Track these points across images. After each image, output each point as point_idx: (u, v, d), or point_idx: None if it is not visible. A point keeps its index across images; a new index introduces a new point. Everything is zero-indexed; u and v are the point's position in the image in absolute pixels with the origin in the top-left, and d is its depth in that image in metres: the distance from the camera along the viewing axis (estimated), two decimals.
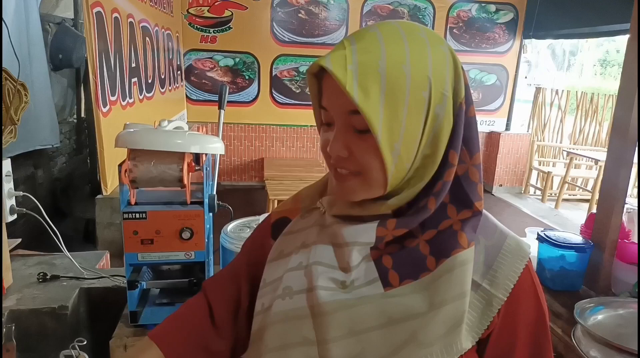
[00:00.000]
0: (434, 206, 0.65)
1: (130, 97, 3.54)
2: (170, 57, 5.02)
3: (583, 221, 1.72)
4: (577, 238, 1.55)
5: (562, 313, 1.39)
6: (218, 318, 0.80)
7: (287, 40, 5.98)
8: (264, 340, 0.70)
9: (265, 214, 1.51)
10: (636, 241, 1.62)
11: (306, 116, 6.12)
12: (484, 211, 0.69)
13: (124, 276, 1.37)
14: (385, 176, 0.63)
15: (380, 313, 0.63)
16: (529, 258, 0.68)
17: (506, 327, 0.65)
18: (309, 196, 0.80)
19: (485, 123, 6.68)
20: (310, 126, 6.16)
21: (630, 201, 1.91)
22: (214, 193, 1.47)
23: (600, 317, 1.24)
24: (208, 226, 1.41)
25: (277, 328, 0.69)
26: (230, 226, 1.57)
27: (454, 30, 6.30)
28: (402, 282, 0.64)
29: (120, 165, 1.27)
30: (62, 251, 1.69)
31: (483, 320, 0.64)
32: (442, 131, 0.64)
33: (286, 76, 6.08)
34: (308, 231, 0.75)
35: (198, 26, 5.79)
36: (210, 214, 1.50)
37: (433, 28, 6.21)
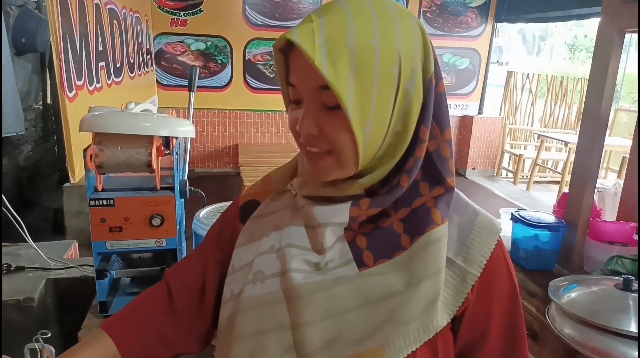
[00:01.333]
0: (407, 184, 0.64)
1: (98, 82, 3.42)
2: (140, 40, 4.88)
3: (554, 202, 1.74)
4: (550, 218, 1.57)
5: (537, 292, 1.41)
6: (178, 306, 0.76)
7: (260, 23, 5.87)
8: (235, 327, 0.67)
9: None
10: (608, 220, 1.65)
11: (280, 101, 5.91)
12: (456, 190, 0.69)
13: (93, 266, 1.33)
14: (356, 153, 0.61)
15: (357, 293, 0.62)
16: (500, 236, 0.68)
17: (480, 302, 0.66)
18: (279, 178, 0.78)
19: (458, 107, 6.74)
20: (285, 111, 6.10)
21: (601, 181, 1.94)
22: (186, 178, 1.43)
23: (573, 294, 1.26)
24: (180, 212, 1.37)
25: (249, 315, 0.66)
26: (203, 212, 1.53)
27: (427, 14, 6.30)
28: (376, 262, 0.63)
29: (85, 150, 1.22)
30: (28, 242, 1.62)
31: (458, 296, 0.64)
32: (412, 107, 0.62)
33: (260, 61, 5.99)
34: (279, 214, 0.72)
35: (168, 9, 5.63)
36: (182, 200, 1.46)
37: None
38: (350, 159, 0.62)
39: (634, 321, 1.12)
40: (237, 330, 0.67)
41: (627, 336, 1.10)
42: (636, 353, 1.09)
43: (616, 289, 1.22)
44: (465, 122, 6.72)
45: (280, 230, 0.70)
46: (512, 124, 6.72)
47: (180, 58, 5.81)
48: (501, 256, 0.67)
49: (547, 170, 6.52)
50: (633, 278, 1.21)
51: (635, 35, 1.62)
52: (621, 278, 1.22)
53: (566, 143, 5.66)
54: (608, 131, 6.89)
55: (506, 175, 6.74)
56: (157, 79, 5.80)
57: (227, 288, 0.72)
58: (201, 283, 0.77)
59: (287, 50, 0.63)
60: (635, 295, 1.18)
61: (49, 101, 3.56)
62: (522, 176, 6.34)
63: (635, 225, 1.56)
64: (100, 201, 1.22)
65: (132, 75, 4.47)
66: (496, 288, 0.66)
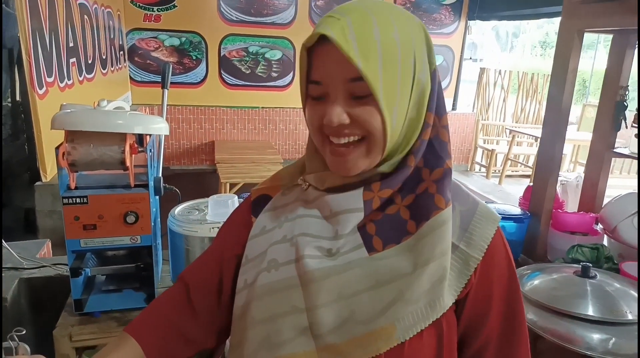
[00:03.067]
0: (414, 164, 0.69)
1: (69, 79, 3.37)
2: (112, 36, 4.80)
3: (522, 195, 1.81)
4: (516, 210, 1.63)
5: None
6: (197, 304, 0.79)
7: (235, 19, 5.84)
8: (250, 313, 0.71)
9: (215, 196, 1.50)
10: (570, 211, 1.72)
11: (257, 98, 6.04)
12: (456, 181, 0.74)
13: (67, 265, 1.33)
14: (385, 138, 0.66)
15: (367, 276, 0.66)
16: (499, 225, 0.73)
17: (482, 284, 0.70)
18: (288, 174, 0.82)
19: None
20: (262, 107, 6.10)
21: (564, 174, 2.02)
22: (160, 175, 1.44)
23: (536, 282, 1.32)
24: (154, 209, 1.38)
25: (263, 301, 0.70)
26: (178, 209, 1.54)
27: None
28: (385, 247, 0.68)
29: (57, 148, 1.21)
30: None
31: (461, 278, 0.68)
32: (424, 96, 0.69)
33: (235, 57, 5.96)
34: (290, 207, 0.77)
35: (141, 4, 5.54)
36: (157, 197, 1.47)
37: None
38: (380, 145, 0.67)
39: (592, 305, 1.19)
40: (252, 316, 0.70)
41: (585, 320, 1.16)
42: (593, 336, 1.15)
43: (575, 276, 1.28)
44: None
45: (292, 221, 0.74)
46: (484, 119, 6.84)
47: (154, 54, 5.74)
48: (501, 242, 0.72)
49: (519, 164, 6.68)
50: (591, 265, 1.28)
51: (603, 36, 1.69)
52: (580, 266, 1.28)
53: (537, 138, 5.80)
54: (576, 126, 7.10)
55: (479, 170, 6.87)
56: (130, 76, 5.71)
57: (241, 278, 0.75)
58: (218, 279, 0.80)
59: (311, 49, 0.67)
60: (593, 281, 1.25)
61: (17, 98, 3.47)
62: (495, 171, 6.48)
63: (595, 215, 1.63)
64: (74, 199, 1.22)
65: (104, 71, 4.40)
66: (496, 272, 0.71)
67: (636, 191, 1.57)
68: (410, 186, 0.70)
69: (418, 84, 0.67)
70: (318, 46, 0.65)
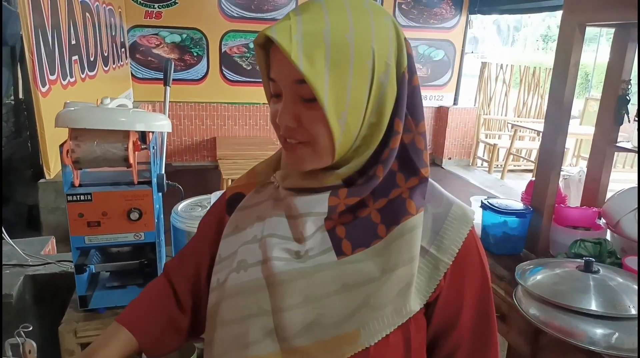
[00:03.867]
0: (382, 174, 0.67)
1: (72, 76, 3.37)
2: (113, 33, 4.80)
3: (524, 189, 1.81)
4: (518, 205, 1.63)
5: (505, 276, 1.47)
6: (181, 297, 0.81)
7: (235, 15, 5.83)
8: (219, 314, 0.71)
9: (218, 192, 1.51)
10: (572, 206, 1.72)
11: (258, 94, 6.03)
12: (432, 181, 0.72)
13: (71, 261, 1.33)
14: (332, 144, 0.64)
15: (335, 279, 0.65)
16: (473, 225, 0.71)
17: (452, 289, 0.69)
18: (263, 171, 0.81)
19: (434, 98, 6.82)
20: (263, 103, 6.09)
21: (567, 169, 2.01)
22: (163, 172, 1.44)
23: (539, 277, 1.32)
24: (157, 206, 1.38)
25: (232, 302, 0.70)
26: (181, 206, 1.54)
27: (403, 5, 6.34)
28: (354, 250, 0.66)
29: (61, 145, 1.22)
30: (4, 238, 1.61)
31: (430, 283, 0.67)
32: (386, 100, 0.65)
33: (236, 53, 5.96)
34: (263, 205, 0.76)
35: (142, 1, 5.54)
36: (160, 194, 1.47)
37: (382, 4, 6.23)
38: (327, 150, 0.65)
39: (594, 300, 1.19)
40: (222, 316, 0.70)
41: (587, 314, 1.16)
42: (596, 330, 1.15)
43: (578, 271, 1.28)
44: (441, 113, 6.81)
45: (263, 220, 0.73)
46: (486, 114, 6.83)
47: (155, 51, 5.74)
48: (473, 245, 0.70)
49: (521, 159, 6.67)
50: (593, 260, 1.28)
51: (606, 29, 1.68)
52: (583, 261, 1.28)
53: (539, 132, 5.79)
54: (579, 120, 7.08)
55: (481, 164, 6.86)
56: (132, 73, 5.72)
57: (214, 278, 0.75)
58: (198, 274, 0.82)
59: (267, 46, 0.66)
60: (596, 275, 1.25)
61: (20, 96, 3.48)
62: (497, 165, 6.48)
63: (597, 210, 1.63)
64: (78, 196, 1.23)
65: (106, 69, 4.40)
66: (468, 276, 0.70)
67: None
68: (384, 191, 0.68)
69: (378, 87, 0.64)
70: (274, 43, 0.62)
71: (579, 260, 1.34)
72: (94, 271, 1.37)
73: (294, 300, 0.65)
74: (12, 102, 3.40)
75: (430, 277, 0.67)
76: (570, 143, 6.37)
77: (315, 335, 0.64)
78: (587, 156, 1.86)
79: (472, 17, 6.67)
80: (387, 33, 0.65)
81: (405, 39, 0.67)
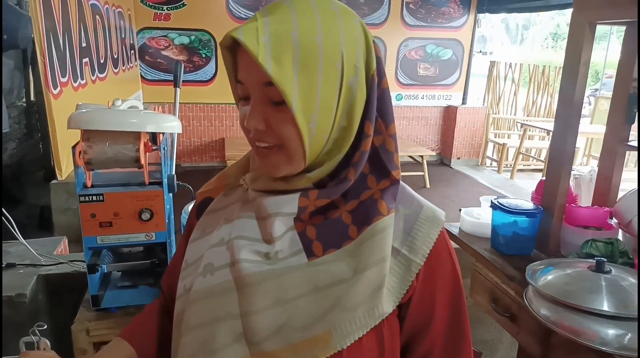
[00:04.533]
0: (354, 177, 0.67)
1: (82, 78, 3.41)
2: (123, 36, 4.84)
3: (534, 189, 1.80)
4: (528, 204, 1.62)
5: (515, 276, 1.46)
6: (172, 308, 0.80)
7: (243, 16, 5.85)
8: (186, 319, 0.69)
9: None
10: (583, 205, 1.71)
11: None
12: (402, 183, 0.72)
13: (84, 261, 1.35)
14: (303, 147, 0.64)
15: (306, 281, 0.64)
16: (444, 226, 0.71)
17: (425, 289, 0.69)
18: (232, 173, 0.80)
19: (442, 97, 6.80)
20: None
21: (578, 168, 2.00)
22: (173, 172, 1.46)
23: (550, 277, 1.31)
24: (168, 206, 1.39)
25: (198, 306, 0.68)
26: (191, 206, 1.55)
27: (410, 5, 6.32)
28: (325, 252, 0.65)
29: (74, 147, 1.23)
30: (17, 239, 1.63)
31: (403, 284, 0.67)
32: (356, 103, 0.65)
33: None
34: (231, 208, 0.75)
35: (151, 3, 5.58)
36: (170, 194, 1.49)
37: (390, 4, 6.22)
38: (298, 153, 0.64)
39: (606, 300, 1.18)
40: (187, 322, 0.69)
41: (599, 315, 1.15)
42: (608, 331, 1.14)
43: (590, 271, 1.27)
44: (449, 113, 6.79)
45: (231, 222, 0.72)
46: (495, 113, 6.80)
47: (164, 52, 5.78)
48: (444, 245, 0.71)
49: (530, 158, 6.63)
50: (605, 260, 1.27)
51: (616, 27, 1.67)
52: (594, 261, 1.27)
53: (548, 131, 5.76)
54: (589, 119, 7.03)
55: (490, 164, 6.83)
56: (141, 74, 5.76)
57: (180, 284, 0.74)
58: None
59: (234, 48, 0.65)
60: (608, 275, 1.24)
61: (32, 98, 3.53)
62: (506, 165, 6.44)
63: (609, 209, 1.62)
64: (90, 196, 1.24)
65: (116, 70, 4.44)
66: (439, 276, 0.70)
67: None
68: (355, 193, 0.68)
69: (348, 90, 0.64)
70: (241, 45, 0.61)
71: (590, 260, 1.33)
72: (105, 271, 1.39)
73: (263, 302, 0.64)
74: (24, 104, 3.44)
75: (403, 278, 0.67)
76: (580, 142, 6.32)
77: (285, 338, 0.63)
78: (598, 155, 1.85)
79: (480, 16, 6.64)
80: (356, 35, 0.64)
81: (374, 41, 0.67)
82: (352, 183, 0.67)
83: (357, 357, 0.64)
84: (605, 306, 1.16)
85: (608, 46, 11.33)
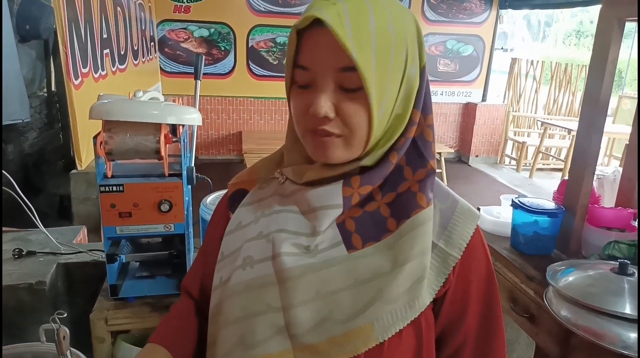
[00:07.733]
0: (396, 160, 0.67)
1: (103, 69, 3.44)
2: (143, 28, 4.87)
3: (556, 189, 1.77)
4: (550, 204, 1.59)
5: (535, 276, 1.44)
6: (205, 309, 0.79)
7: (263, 10, 5.85)
8: (224, 312, 0.69)
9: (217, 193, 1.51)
10: (606, 206, 1.67)
11: (284, 89, 6.03)
12: (437, 179, 0.72)
13: (102, 251, 1.36)
14: (368, 135, 0.64)
15: (346, 274, 0.65)
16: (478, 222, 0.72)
17: (460, 283, 0.69)
18: (264, 167, 0.80)
19: (462, 94, 6.72)
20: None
21: (600, 168, 1.96)
22: (192, 164, 1.46)
23: (571, 278, 1.29)
24: (187, 198, 1.40)
25: (237, 299, 0.68)
26: (210, 198, 1.56)
27: (432, 0, 6.25)
28: (365, 244, 0.66)
29: (95, 137, 1.24)
30: (37, 227, 1.66)
31: (439, 277, 0.67)
32: (412, 92, 0.66)
33: (263, 47, 5.98)
34: (267, 201, 0.75)
35: None
36: (189, 186, 1.49)
37: None
38: (361, 142, 0.65)
39: (629, 303, 1.15)
40: (226, 316, 0.69)
41: (621, 318, 1.13)
42: (630, 335, 1.12)
43: (612, 273, 1.25)
44: (469, 110, 6.71)
45: (268, 216, 0.72)
46: (515, 111, 6.70)
47: (183, 45, 5.81)
48: (479, 241, 0.71)
49: (550, 157, 6.52)
50: (629, 262, 1.24)
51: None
52: (617, 263, 1.25)
53: (569, 131, 5.66)
54: (612, 118, 6.88)
55: (509, 162, 6.74)
56: (160, 66, 5.80)
57: (217, 276, 0.74)
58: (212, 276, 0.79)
59: (302, 31, 0.64)
60: (631, 278, 1.21)
61: (53, 88, 3.57)
62: (525, 164, 6.35)
63: (633, 211, 1.58)
64: (110, 187, 1.25)
65: (136, 62, 4.48)
66: (474, 271, 0.70)
67: None
68: (392, 185, 0.68)
69: (408, 80, 0.65)
70: (310, 29, 0.61)
71: (613, 262, 1.30)
72: (124, 261, 1.40)
73: (305, 295, 0.64)
74: (45, 94, 3.49)
75: (439, 271, 0.67)
76: (602, 142, 6.21)
77: (327, 331, 0.63)
78: (620, 155, 1.80)
79: (503, 12, 6.54)
80: (414, 27, 0.66)
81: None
82: (389, 174, 0.68)
83: (397, 349, 0.64)
84: (628, 310, 1.14)
85: (632, 44, 11.07)
